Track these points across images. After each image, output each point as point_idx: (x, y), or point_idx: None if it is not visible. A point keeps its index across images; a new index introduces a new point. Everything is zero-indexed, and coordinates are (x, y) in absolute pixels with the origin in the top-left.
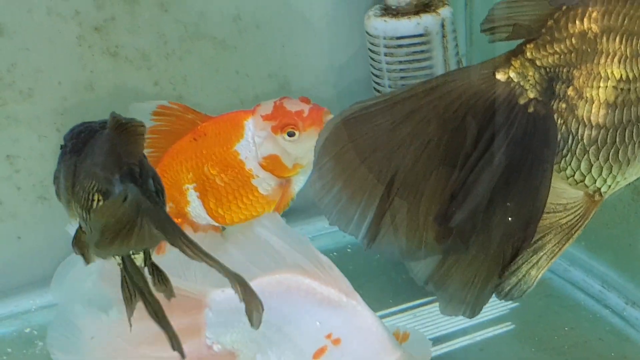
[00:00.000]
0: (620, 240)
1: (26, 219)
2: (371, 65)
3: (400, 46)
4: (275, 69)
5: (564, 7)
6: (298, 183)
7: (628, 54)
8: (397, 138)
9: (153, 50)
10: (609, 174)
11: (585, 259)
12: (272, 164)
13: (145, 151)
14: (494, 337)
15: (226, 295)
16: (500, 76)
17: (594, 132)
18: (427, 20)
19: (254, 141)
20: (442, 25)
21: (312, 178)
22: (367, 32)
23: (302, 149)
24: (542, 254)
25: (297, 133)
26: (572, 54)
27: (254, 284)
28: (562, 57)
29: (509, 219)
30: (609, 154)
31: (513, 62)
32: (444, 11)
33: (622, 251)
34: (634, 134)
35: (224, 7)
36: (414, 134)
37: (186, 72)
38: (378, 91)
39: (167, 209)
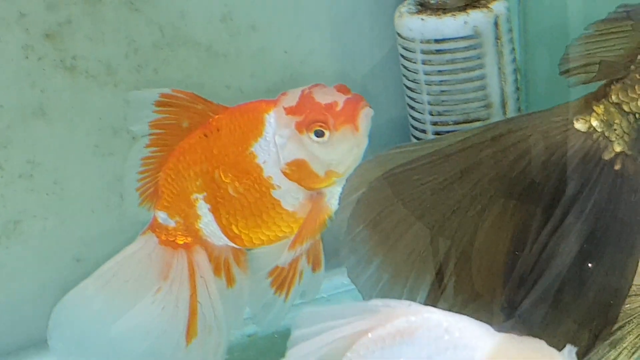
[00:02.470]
0: None
1: None
2: (404, 75)
3: (442, 51)
4: (276, 82)
5: None
6: (335, 196)
7: None
8: (450, 202)
9: (121, 61)
10: None
11: None
12: (297, 172)
13: (148, 150)
14: None
15: None
16: (579, 125)
17: None
18: (477, 18)
19: (275, 141)
20: (496, 24)
21: (344, 252)
22: (399, 34)
23: (337, 153)
24: (621, 348)
25: (327, 132)
26: None
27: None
28: None
29: (588, 301)
30: None
31: (595, 108)
32: (498, 5)
33: None
34: None
35: (210, 3)
36: (472, 197)
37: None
38: (412, 108)
39: (174, 225)
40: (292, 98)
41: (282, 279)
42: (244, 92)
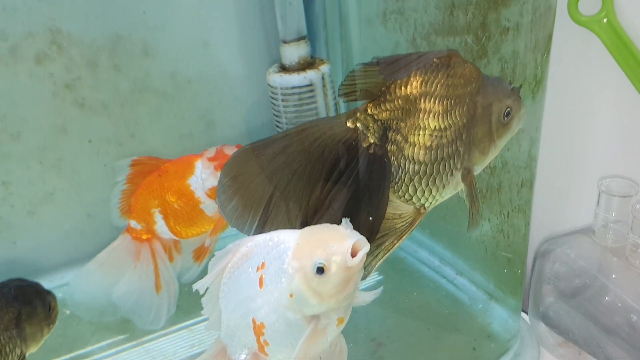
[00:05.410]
0: (452, 229)
1: (20, 229)
2: (272, 108)
3: (293, 94)
4: (203, 112)
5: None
6: None
7: (440, 111)
8: (275, 165)
9: (111, 101)
10: (430, 194)
11: (428, 242)
12: (214, 193)
13: (124, 186)
14: None
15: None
16: (350, 124)
17: (416, 167)
18: (311, 75)
19: (201, 177)
20: (323, 78)
21: (217, 192)
22: (269, 84)
23: None
24: (381, 248)
25: None
26: (400, 111)
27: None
28: (392, 113)
29: (361, 223)
30: (428, 181)
31: (359, 116)
32: (324, 68)
33: (453, 237)
34: (445, 166)
35: (163, 67)
36: (287, 162)
37: (137, 117)
38: (278, 127)
39: (141, 227)
40: (211, 152)
41: (200, 254)
42: (185, 118)
